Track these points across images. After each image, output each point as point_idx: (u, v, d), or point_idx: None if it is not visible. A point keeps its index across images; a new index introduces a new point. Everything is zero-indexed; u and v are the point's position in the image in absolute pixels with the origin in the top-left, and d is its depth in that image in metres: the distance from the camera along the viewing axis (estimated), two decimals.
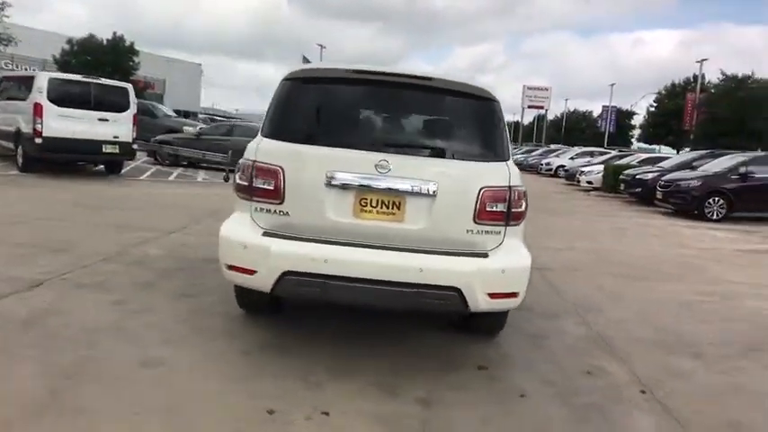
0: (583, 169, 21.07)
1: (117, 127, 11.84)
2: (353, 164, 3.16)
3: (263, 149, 3.28)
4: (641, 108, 52.17)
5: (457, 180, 3.22)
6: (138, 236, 6.49)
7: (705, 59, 35.76)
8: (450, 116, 3.46)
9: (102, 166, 12.95)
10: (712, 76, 36.15)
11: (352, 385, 3.16)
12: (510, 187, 3.28)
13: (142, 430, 2.58)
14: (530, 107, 59.05)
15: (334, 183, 3.15)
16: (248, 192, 3.29)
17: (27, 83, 11.60)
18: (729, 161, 13.62)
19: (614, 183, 17.49)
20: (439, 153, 3.34)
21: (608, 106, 51.52)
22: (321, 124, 3.46)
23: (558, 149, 33.56)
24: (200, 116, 41.18)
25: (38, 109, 10.86)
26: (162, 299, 4.36)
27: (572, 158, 27.34)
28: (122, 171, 13.05)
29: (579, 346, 4.13)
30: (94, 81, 11.96)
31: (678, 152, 35.64)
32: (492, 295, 3.17)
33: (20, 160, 11.55)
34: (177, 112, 28.38)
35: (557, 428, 2.91)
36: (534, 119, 69.76)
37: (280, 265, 3.07)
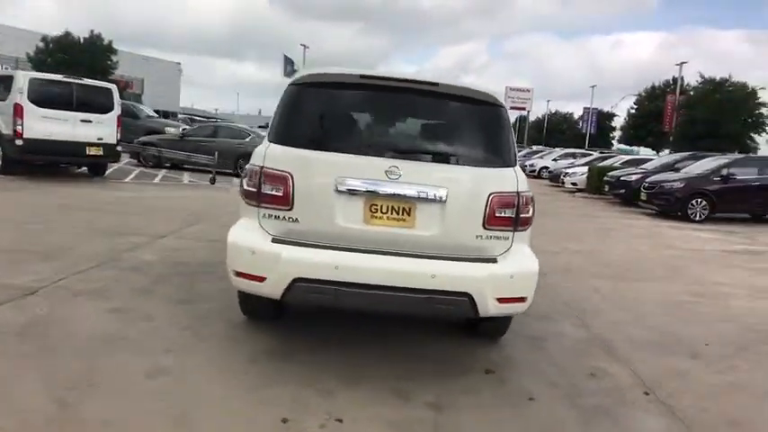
0: (567, 171, 21.34)
1: (101, 128, 11.64)
2: (363, 170, 3.16)
3: (271, 155, 3.26)
4: (621, 110, 52.96)
5: (466, 186, 3.24)
6: (129, 240, 6.39)
7: (684, 62, 36.52)
8: (457, 122, 3.47)
9: (84, 169, 12.73)
10: (691, 78, 36.88)
11: (362, 392, 3.16)
12: (518, 193, 3.31)
13: None
14: (512, 108, 59.33)
15: (344, 189, 3.14)
16: (256, 198, 3.26)
17: (5, 82, 11.33)
18: (711, 163, 13.91)
19: (599, 184, 17.75)
20: (448, 159, 3.35)
21: (589, 108, 52.21)
22: (329, 130, 3.44)
23: (540, 151, 33.91)
24: (179, 116, 40.68)
25: (18, 110, 10.63)
26: (161, 306, 4.30)
27: (555, 160, 27.66)
28: (106, 173, 12.84)
29: (579, 348, 4.19)
30: (77, 81, 11.74)
31: (658, 153, 36.29)
32: (501, 300, 3.19)
33: None
34: (156, 112, 28.02)
35: (569, 430, 2.94)
36: (516, 120, 70.40)
37: (290, 272, 3.05)
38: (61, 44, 35.22)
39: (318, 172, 3.18)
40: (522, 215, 3.33)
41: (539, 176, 27.14)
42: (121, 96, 13.08)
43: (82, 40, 36.15)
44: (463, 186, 3.23)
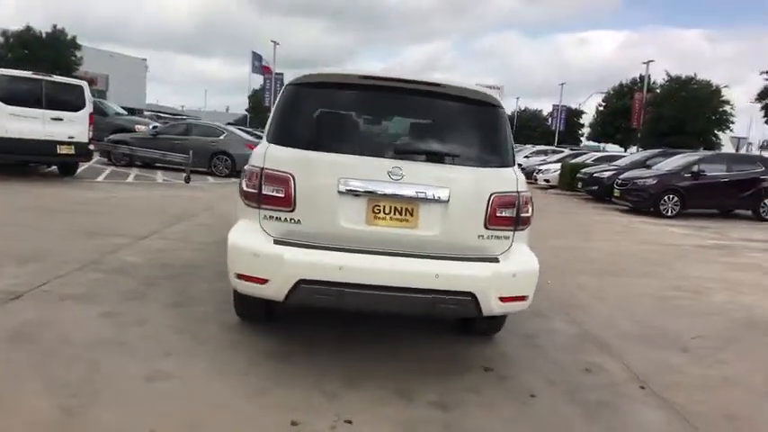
0: (540, 168, 21.63)
1: (72, 127, 11.29)
2: (366, 171, 3.15)
3: (271, 156, 3.21)
4: (588, 107, 53.93)
5: (468, 186, 3.26)
6: (110, 242, 6.23)
7: (651, 61, 37.33)
8: (459, 122, 3.49)
9: (54, 168, 12.35)
10: (658, 77, 37.76)
11: (367, 392, 3.15)
12: (518, 192, 3.35)
13: None
14: None
15: (346, 190, 3.13)
16: (256, 199, 3.22)
17: None
18: (681, 160, 14.31)
19: (571, 181, 18.05)
20: (450, 159, 3.36)
21: (558, 105, 52.99)
22: (330, 130, 3.42)
23: None
24: (145, 113, 39.78)
25: None
26: (153, 309, 4.21)
27: (527, 157, 28.04)
28: (77, 173, 12.49)
29: (572, 344, 4.26)
30: (46, 78, 11.35)
31: (625, 150, 37.10)
32: (503, 299, 3.22)
33: None
34: (125, 109, 27.33)
35: (575, 426, 3.00)
36: None
37: (294, 274, 3.02)
38: (22, 39, 34.01)
39: (321, 173, 3.16)
40: (522, 215, 3.37)
41: None
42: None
43: (44, 35, 35.00)
44: (465, 186, 3.25)
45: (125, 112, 24.66)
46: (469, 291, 3.11)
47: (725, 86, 33.22)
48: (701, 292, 6.08)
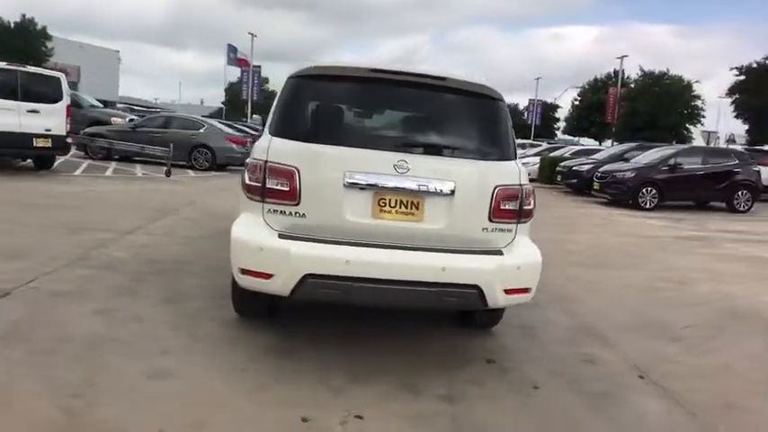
0: None
1: (49, 119, 10.98)
2: (372, 164, 3.12)
3: (275, 149, 3.16)
4: (563, 101, 54.63)
5: (473, 179, 3.26)
6: (95, 237, 6.08)
7: (625, 56, 38.07)
8: (463, 116, 3.48)
9: (29, 161, 12.00)
10: (631, 71, 38.47)
11: (372, 387, 3.14)
12: (521, 185, 3.37)
13: None
14: None
15: (352, 183, 3.10)
16: (260, 193, 3.16)
17: None
18: (658, 153, 14.59)
19: (551, 174, 18.28)
20: (454, 152, 3.36)
21: (534, 100, 53.56)
22: (335, 123, 3.38)
23: None
24: (118, 106, 38.93)
25: None
26: (146, 305, 4.12)
27: None
28: (53, 166, 12.16)
29: (569, 335, 4.32)
30: (21, 69, 10.99)
31: (600, 144, 37.72)
32: (508, 291, 3.24)
33: None
34: (99, 101, 26.68)
35: (580, 417, 3.03)
36: None
37: (301, 268, 2.99)
38: None
39: (326, 166, 3.12)
40: (524, 207, 3.39)
41: None
42: None
43: (12, 25, 33.97)
44: (470, 180, 3.25)
45: (100, 105, 24.13)
46: (475, 283, 3.11)
47: (696, 81, 34.09)
48: (686, 283, 6.22)
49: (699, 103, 33.67)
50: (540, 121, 52.89)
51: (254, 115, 40.42)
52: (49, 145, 11.08)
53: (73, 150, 15.17)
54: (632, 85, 36.24)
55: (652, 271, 6.77)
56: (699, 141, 35.00)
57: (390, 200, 3.15)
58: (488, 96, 3.44)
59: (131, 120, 19.48)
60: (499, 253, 3.30)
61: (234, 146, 15.85)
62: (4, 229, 6.20)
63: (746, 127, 32.40)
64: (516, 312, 4.59)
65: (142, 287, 4.56)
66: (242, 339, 3.68)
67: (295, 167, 3.10)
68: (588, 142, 41.92)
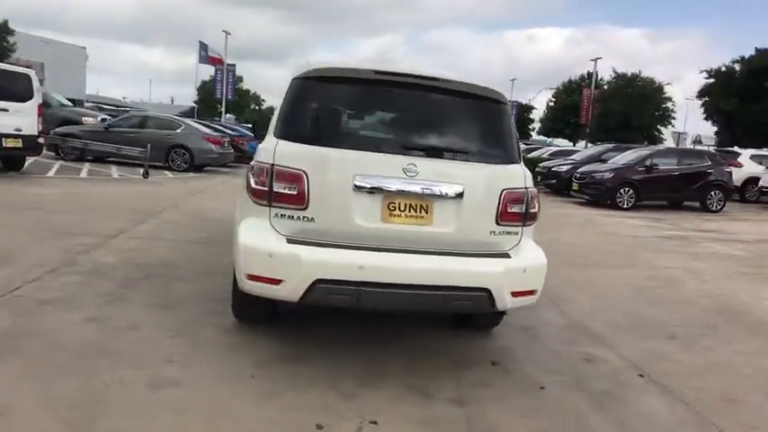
0: None
1: (19, 118, 10.59)
2: (381, 167, 3.09)
3: (281, 152, 3.10)
4: (538, 102, 55.40)
5: (480, 182, 3.26)
6: (79, 242, 5.90)
7: (599, 58, 38.67)
8: (470, 119, 3.47)
9: None
10: (605, 73, 39.23)
11: (382, 391, 3.12)
12: (526, 188, 3.38)
13: None
14: None
15: (362, 187, 3.06)
16: (267, 197, 3.10)
17: None
18: (635, 154, 14.89)
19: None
20: (462, 156, 3.35)
21: (509, 101, 53.99)
22: (341, 126, 3.34)
23: None
24: (85, 104, 37.93)
25: None
26: (140, 312, 4.01)
27: None
28: (24, 168, 11.78)
29: (567, 335, 4.36)
30: None
31: (574, 145, 38.33)
32: (515, 294, 3.25)
33: None
34: (70, 100, 25.95)
35: (588, 416, 3.06)
36: None
37: (311, 274, 2.94)
38: None
39: (335, 170, 3.08)
40: (530, 210, 3.41)
41: None
42: None
43: None
44: (478, 183, 3.25)
45: (70, 104, 23.48)
46: (485, 286, 3.11)
47: (667, 84, 34.94)
48: (673, 282, 6.34)
49: (670, 104, 34.56)
50: (516, 122, 53.41)
51: (227, 114, 39.83)
52: (20, 145, 10.70)
53: (43, 151, 14.79)
54: (606, 87, 36.96)
55: (639, 270, 6.89)
56: (670, 142, 35.90)
57: (400, 203, 3.13)
58: (494, 100, 3.44)
59: (104, 119, 18.98)
60: (506, 256, 3.31)
61: (212, 146, 15.61)
62: None
63: (715, 129, 33.36)
64: (513, 313, 4.61)
65: (133, 293, 4.44)
66: (244, 345, 3.61)
67: (303, 171, 3.05)
68: (562, 143, 42.57)
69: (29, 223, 6.74)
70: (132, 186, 11.57)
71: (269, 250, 3.00)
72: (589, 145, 29.68)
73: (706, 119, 32.93)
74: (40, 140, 11.35)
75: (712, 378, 3.71)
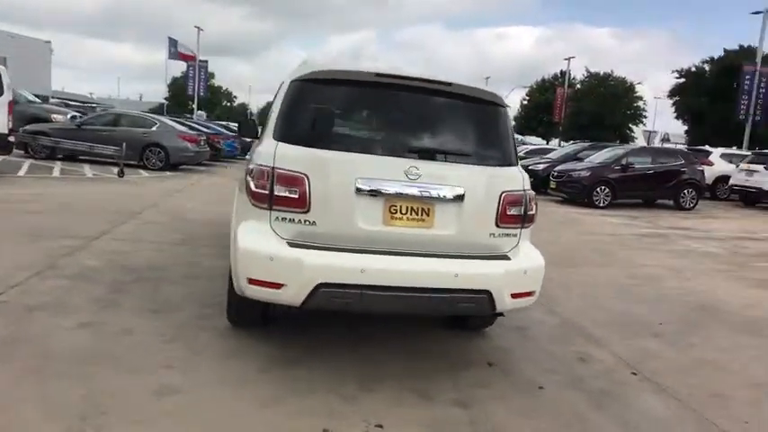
0: None
1: None
2: (383, 170, 3.10)
3: (282, 155, 3.08)
4: (511, 101, 55.87)
5: (481, 185, 3.28)
6: (60, 244, 5.76)
7: (572, 57, 39.35)
8: (469, 122, 3.50)
9: None
10: (577, 72, 39.91)
11: (384, 394, 3.13)
12: (525, 191, 3.42)
13: None
14: None
15: (364, 190, 3.06)
16: (267, 200, 3.07)
17: None
18: (610, 153, 15.18)
19: None
20: (463, 158, 3.37)
21: None
22: (342, 128, 3.33)
23: None
24: (50, 100, 36.79)
25: None
26: (133, 317, 3.94)
27: None
28: None
29: (558, 335, 4.43)
30: None
31: (548, 143, 38.91)
32: (514, 295, 3.29)
33: None
34: (37, 97, 25.13)
35: (588, 415, 3.12)
36: None
37: (314, 278, 2.93)
38: None
39: (337, 172, 3.07)
40: (528, 212, 3.45)
41: None
42: None
43: None
44: (478, 186, 3.28)
45: (39, 100, 22.79)
46: (486, 289, 3.15)
47: (638, 83, 35.73)
48: (654, 279, 6.50)
49: (641, 103, 35.37)
50: None
51: (198, 111, 39.20)
52: None
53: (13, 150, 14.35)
54: (578, 86, 37.63)
55: (621, 268, 7.05)
56: (641, 140, 36.72)
57: (401, 206, 3.14)
58: (494, 103, 3.48)
59: (74, 117, 18.49)
60: (506, 258, 3.35)
61: (188, 144, 15.36)
62: None
63: (686, 127, 34.27)
64: (506, 313, 4.68)
65: (123, 297, 4.35)
66: (242, 350, 3.57)
67: (305, 174, 3.04)
68: (535, 141, 43.15)
69: (3, 225, 6.54)
70: (108, 186, 11.33)
71: (270, 254, 2.98)
72: (562, 143, 30.16)
73: (677, 118, 33.83)
74: (11, 139, 11.00)
75: (701, 374, 3.83)
